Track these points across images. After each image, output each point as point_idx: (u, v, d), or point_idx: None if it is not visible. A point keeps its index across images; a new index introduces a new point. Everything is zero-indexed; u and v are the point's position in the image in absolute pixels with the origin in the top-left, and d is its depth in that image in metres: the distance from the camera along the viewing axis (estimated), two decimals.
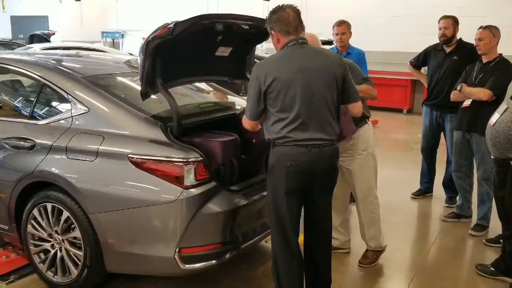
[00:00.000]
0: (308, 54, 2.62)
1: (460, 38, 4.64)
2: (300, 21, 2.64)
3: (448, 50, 4.65)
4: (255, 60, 4.06)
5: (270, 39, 3.58)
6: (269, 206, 2.70)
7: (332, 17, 4.26)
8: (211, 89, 4.06)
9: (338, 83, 2.61)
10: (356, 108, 2.76)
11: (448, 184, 4.83)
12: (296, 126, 2.53)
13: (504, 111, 3.03)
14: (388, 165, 6.43)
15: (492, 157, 3.19)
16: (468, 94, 4.07)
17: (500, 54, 4.07)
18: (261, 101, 2.57)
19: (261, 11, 11.89)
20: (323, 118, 2.58)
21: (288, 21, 2.59)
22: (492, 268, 3.46)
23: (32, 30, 11.88)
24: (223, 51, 3.30)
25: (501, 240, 3.63)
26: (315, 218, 2.78)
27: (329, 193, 2.79)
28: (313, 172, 2.59)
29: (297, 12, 2.63)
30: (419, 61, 4.95)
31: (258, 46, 3.90)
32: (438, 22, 4.64)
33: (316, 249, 2.81)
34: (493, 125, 3.07)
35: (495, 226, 3.92)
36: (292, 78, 2.52)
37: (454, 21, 4.57)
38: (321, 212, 2.77)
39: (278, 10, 2.62)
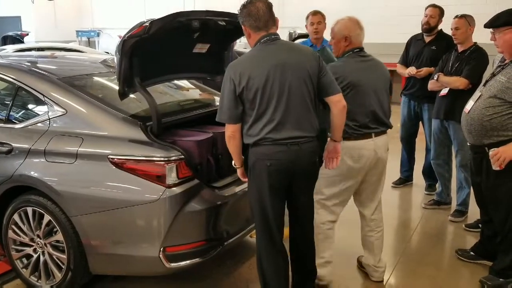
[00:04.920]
0: (281, 50, 2.55)
1: (441, 29, 4.71)
2: (271, 16, 2.56)
3: (427, 39, 4.71)
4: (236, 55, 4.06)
5: None
6: (252, 204, 2.67)
7: (309, 10, 4.25)
8: (191, 86, 4.04)
9: (313, 78, 2.55)
10: (336, 98, 2.60)
11: (428, 172, 4.92)
12: (274, 126, 2.49)
13: (478, 98, 3.08)
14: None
15: (468, 144, 3.25)
16: (445, 83, 4.14)
17: (475, 43, 4.14)
18: (238, 103, 2.50)
19: (238, 7, 11.86)
20: (300, 116, 2.53)
21: (257, 16, 2.52)
22: (472, 253, 3.54)
23: (4, 31, 11.60)
24: (201, 48, 3.28)
25: (479, 225, 3.72)
26: (298, 216, 2.76)
27: (311, 190, 2.76)
28: (294, 169, 2.55)
29: (268, 6, 2.55)
30: (406, 57, 4.91)
31: (237, 41, 3.89)
32: (425, 10, 4.69)
33: (301, 244, 2.82)
34: (468, 112, 3.13)
35: (474, 212, 4.00)
36: (267, 77, 2.46)
37: (441, 11, 4.64)
38: (304, 210, 2.74)
39: (248, 4, 2.55)
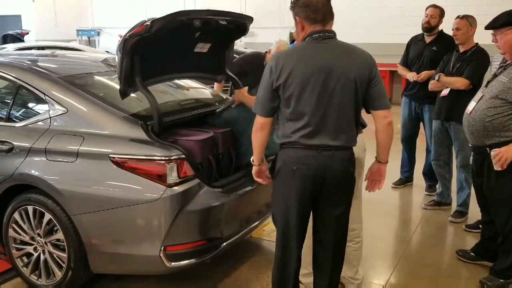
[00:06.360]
0: (331, 51, 2.29)
1: (442, 30, 4.71)
2: (330, 10, 2.30)
3: (428, 40, 4.71)
4: (235, 55, 4.05)
5: (249, 34, 3.57)
6: (274, 211, 2.49)
7: None
8: (192, 85, 4.04)
9: (360, 87, 2.29)
10: (382, 114, 2.36)
11: (428, 173, 4.92)
12: (307, 133, 2.27)
13: (480, 99, 3.08)
14: (369, 156, 6.51)
15: (470, 144, 3.25)
16: (446, 83, 4.14)
17: (476, 43, 4.14)
18: (275, 96, 2.30)
19: (238, 6, 11.86)
20: (337, 126, 2.29)
21: (316, 7, 2.26)
22: (472, 253, 3.54)
23: (4, 30, 11.61)
24: (202, 47, 3.28)
25: (480, 226, 3.72)
26: (326, 240, 2.46)
27: (345, 206, 2.43)
28: (323, 178, 2.30)
29: None
30: (406, 58, 4.90)
31: (237, 41, 3.89)
32: (426, 10, 4.69)
33: (322, 262, 2.54)
34: (470, 113, 3.13)
35: (474, 212, 4.00)
36: (309, 78, 2.23)
37: (442, 12, 4.64)
38: (334, 231, 2.44)
39: None
